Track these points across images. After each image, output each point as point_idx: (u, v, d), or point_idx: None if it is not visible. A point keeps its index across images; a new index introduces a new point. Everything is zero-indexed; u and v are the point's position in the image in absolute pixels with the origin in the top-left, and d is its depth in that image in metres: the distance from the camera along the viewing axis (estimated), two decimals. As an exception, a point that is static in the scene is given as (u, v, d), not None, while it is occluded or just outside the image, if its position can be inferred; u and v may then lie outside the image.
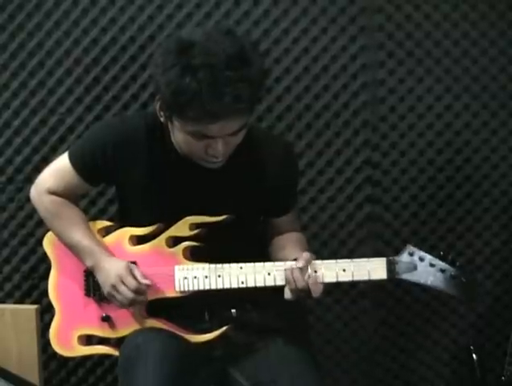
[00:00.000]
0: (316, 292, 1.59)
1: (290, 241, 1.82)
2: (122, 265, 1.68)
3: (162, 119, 1.62)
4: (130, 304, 1.68)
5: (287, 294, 1.62)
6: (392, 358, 2.48)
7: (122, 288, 1.66)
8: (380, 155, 2.34)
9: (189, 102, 1.46)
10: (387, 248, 2.38)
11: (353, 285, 2.39)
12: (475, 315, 2.45)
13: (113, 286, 1.68)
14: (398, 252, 1.63)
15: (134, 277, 1.66)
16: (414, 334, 2.47)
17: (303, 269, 1.59)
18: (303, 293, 1.60)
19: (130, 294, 1.66)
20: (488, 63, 2.30)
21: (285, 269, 1.62)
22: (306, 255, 1.62)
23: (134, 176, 1.72)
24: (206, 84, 1.44)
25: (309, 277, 1.58)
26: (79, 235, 1.75)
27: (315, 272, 1.60)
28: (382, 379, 2.49)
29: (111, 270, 1.69)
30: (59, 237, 1.79)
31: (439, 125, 2.34)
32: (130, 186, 1.75)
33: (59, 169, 1.79)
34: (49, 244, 1.84)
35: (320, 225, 2.38)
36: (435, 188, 2.37)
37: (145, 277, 1.68)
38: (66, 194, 1.79)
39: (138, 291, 1.66)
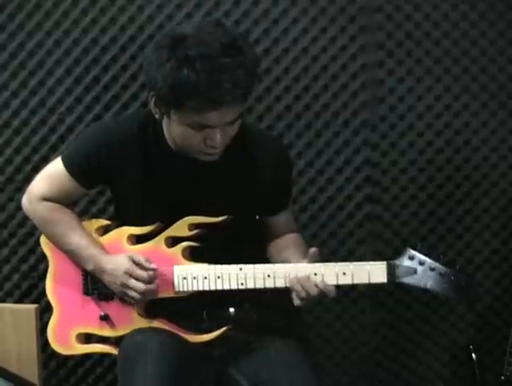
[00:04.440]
0: (331, 292, 1.59)
1: (289, 243, 1.83)
2: (125, 260, 1.68)
3: (157, 116, 1.62)
4: (144, 295, 1.68)
5: (296, 302, 1.62)
6: (392, 358, 2.48)
7: (133, 282, 1.66)
8: (379, 155, 2.34)
9: (189, 93, 1.47)
10: (387, 247, 2.38)
11: (353, 285, 2.39)
12: (474, 315, 2.45)
13: (124, 284, 1.67)
14: (397, 251, 1.63)
15: (141, 267, 1.67)
16: (414, 334, 2.47)
17: (310, 277, 1.59)
18: (314, 299, 1.60)
19: (141, 286, 1.66)
20: (487, 62, 2.30)
21: (289, 278, 1.61)
22: (310, 258, 1.62)
23: (129, 174, 1.72)
24: (204, 74, 1.45)
25: (319, 282, 1.59)
26: (75, 240, 1.75)
27: (315, 274, 1.60)
28: (382, 379, 2.49)
29: (116, 270, 1.68)
30: (56, 244, 1.79)
31: (438, 125, 2.34)
32: (125, 185, 1.75)
33: (52, 174, 1.78)
34: (47, 242, 1.83)
35: (319, 225, 2.38)
36: (434, 188, 2.37)
37: (148, 260, 1.68)
38: (61, 199, 1.78)
39: (149, 280, 1.67)
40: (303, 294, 1.59)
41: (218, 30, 1.51)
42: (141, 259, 1.68)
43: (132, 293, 1.68)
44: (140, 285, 1.66)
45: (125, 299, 1.72)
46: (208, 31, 1.50)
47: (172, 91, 1.48)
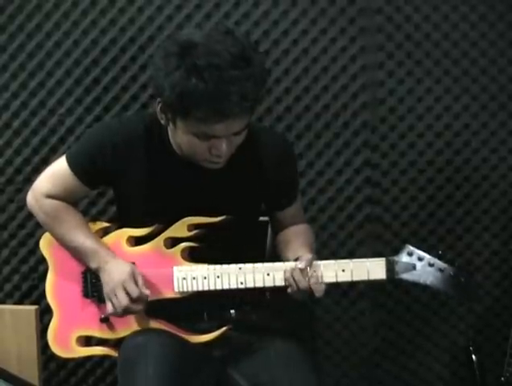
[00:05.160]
0: (319, 291, 1.60)
1: (294, 235, 1.83)
2: (127, 270, 1.67)
3: (163, 122, 1.62)
4: (124, 311, 1.67)
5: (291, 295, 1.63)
6: (392, 359, 2.48)
7: (121, 294, 1.65)
8: (379, 156, 2.35)
9: (196, 103, 1.46)
10: (387, 248, 2.38)
11: (353, 285, 2.39)
12: (474, 316, 2.45)
13: (113, 290, 1.67)
14: (397, 252, 1.63)
15: (136, 285, 1.66)
16: (414, 335, 2.47)
17: (303, 270, 1.60)
18: (305, 294, 1.61)
19: (125, 301, 1.65)
20: (487, 64, 2.30)
21: (285, 271, 1.62)
22: (307, 256, 1.63)
23: (132, 176, 1.72)
24: (213, 84, 1.44)
25: (310, 277, 1.59)
26: (81, 237, 1.74)
27: (315, 272, 1.61)
28: (382, 381, 2.49)
29: (115, 273, 1.68)
30: (61, 241, 1.78)
31: (438, 126, 2.34)
32: (128, 187, 1.74)
33: (57, 173, 1.77)
34: (46, 245, 1.82)
35: (319, 226, 2.38)
36: (434, 189, 2.37)
37: (147, 287, 1.67)
38: (65, 198, 1.78)
39: (137, 299, 1.66)
40: (295, 287, 1.60)
41: (228, 38, 1.49)
42: (140, 280, 1.67)
43: (115, 302, 1.67)
44: (125, 300, 1.65)
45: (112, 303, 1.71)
46: (218, 40, 1.48)
47: (179, 100, 1.47)
